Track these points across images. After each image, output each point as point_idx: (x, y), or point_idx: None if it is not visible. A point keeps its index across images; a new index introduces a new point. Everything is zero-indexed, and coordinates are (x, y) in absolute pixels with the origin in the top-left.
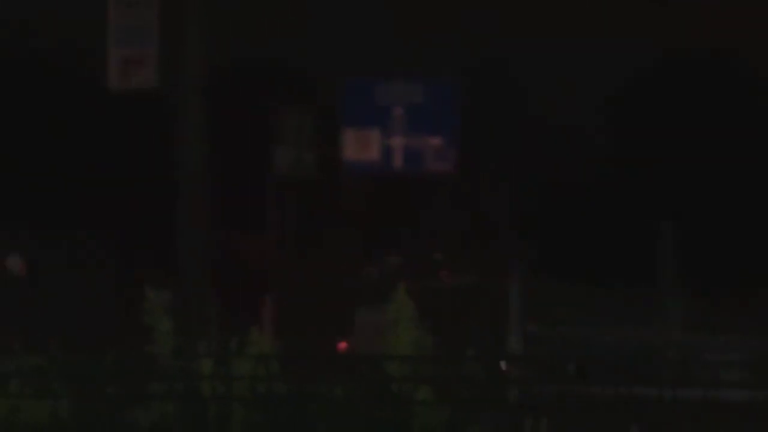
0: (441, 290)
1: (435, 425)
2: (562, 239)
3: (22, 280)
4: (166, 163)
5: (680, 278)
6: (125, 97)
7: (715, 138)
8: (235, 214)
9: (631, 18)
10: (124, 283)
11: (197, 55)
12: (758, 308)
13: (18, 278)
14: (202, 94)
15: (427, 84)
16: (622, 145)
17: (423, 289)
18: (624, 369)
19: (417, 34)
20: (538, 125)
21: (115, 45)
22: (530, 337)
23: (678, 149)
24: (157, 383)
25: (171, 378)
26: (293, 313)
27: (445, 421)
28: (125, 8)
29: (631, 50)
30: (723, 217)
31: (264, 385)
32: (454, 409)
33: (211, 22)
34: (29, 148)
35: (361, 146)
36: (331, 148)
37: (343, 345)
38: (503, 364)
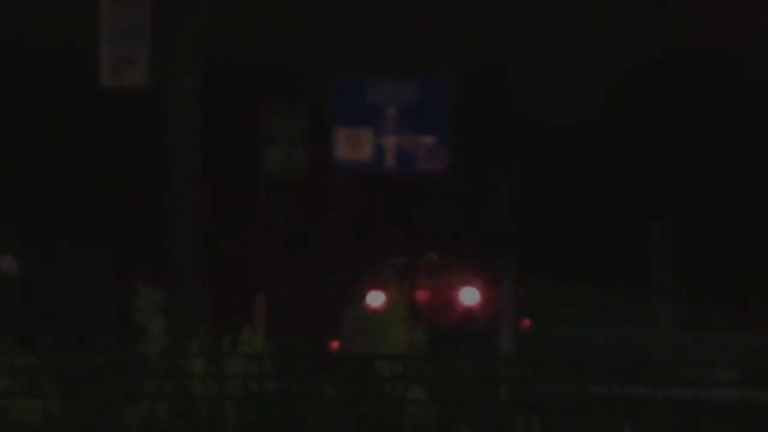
0: (435, 289)
1: (427, 424)
2: (555, 239)
3: (15, 280)
4: (158, 163)
5: (672, 278)
6: (120, 96)
7: (708, 138)
8: (227, 213)
9: (629, 18)
10: (116, 282)
11: (190, 54)
12: (750, 308)
13: (10, 278)
14: (194, 94)
15: (419, 83)
16: (616, 146)
17: (417, 289)
18: (617, 368)
19: (416, 34)
20: (536, 125)
21: (107, 44)
22: (522, 336)
23: (672, 149)
24: (149, 382)
25: (163, 377)
26: (285, 312)
27: (437, 421)
28: (117, 7)
29: (629, 50)
30: (715, 217)
31: (256, 384)
32: (445, 408)
33: (203, 21)
34: (24, 148)
35: (353, 145)
36: (323, 147)
37: (334, 344)
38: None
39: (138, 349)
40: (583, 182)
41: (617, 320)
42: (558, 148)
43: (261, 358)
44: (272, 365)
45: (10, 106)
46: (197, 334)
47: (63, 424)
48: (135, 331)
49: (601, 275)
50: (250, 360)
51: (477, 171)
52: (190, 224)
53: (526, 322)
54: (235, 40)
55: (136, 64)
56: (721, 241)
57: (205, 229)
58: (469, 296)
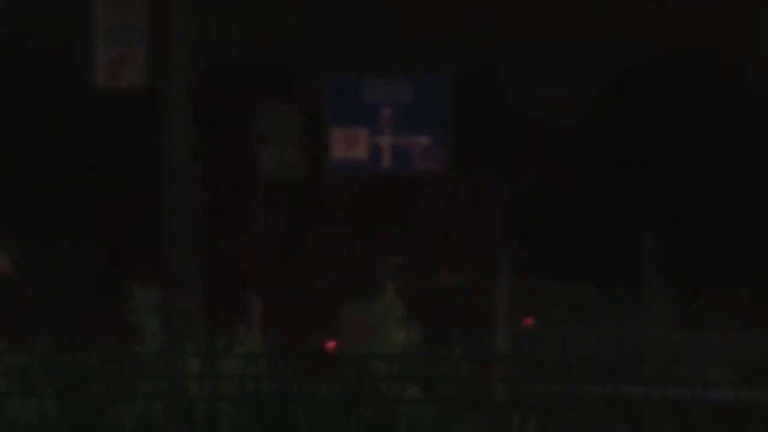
0: (430, 289)
1: (422, 424)
2: (550, 238)
3: (8, 279)
4: (154, 163)
5: (667, 277)
6: (117, 96)
7: (707, 138)
8: (223, 213)
9: (627, 18)
10: (112, 282)
11: (185, 54)
12: (745, 307)
13: (4, 277)
14: (189, 94)
15: (414, 83)
16: (615, 146)
17: (412, 288)
18: (611, 368)
19: (416, 34)
20: (535, 125)
21: (103, 44)
22: (517, 336)
23: (671, 149)
24: (145, 382)
25: (158, 377)
26: (281, 312)
27: (433, 420)
28: (113, 7)
29: (628, 50)
30: (710, 216)
31: (252, 384)
32: (441, 408)
33: (198, 21)
34: (20, 147)
35: (348, 145)
36: (318, 147)
37: (330, 344)
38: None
39: (134, 349)
40: (582, 182)
41: (613, 320)
42: (557, 148)
43: (257, 359)
44: (268, 365)
45: (5, 105)
46: (193, 334)
47: (58, 424)
48: (131, 331)
49: (598, 275)
50: (246, 360)
51: (473, 171)
52: (186, 224)
53: (528, 321)
54: (231, 40)
55: (132, 63)
56: (719, 241)
57: (201, 228)
58: None
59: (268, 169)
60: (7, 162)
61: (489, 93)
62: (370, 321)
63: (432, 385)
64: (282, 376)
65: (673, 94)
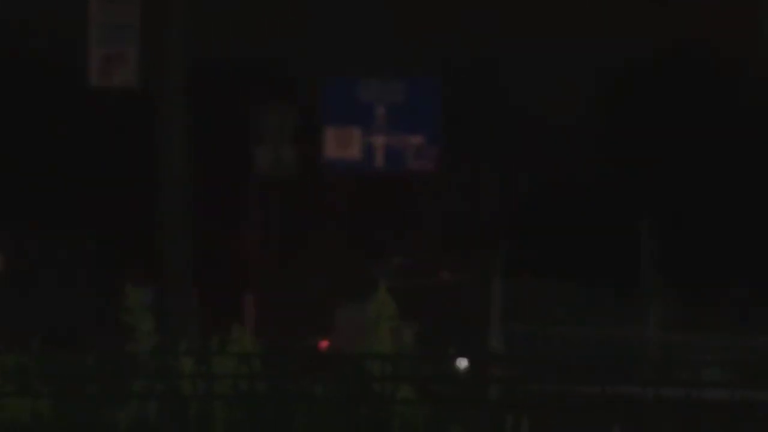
0: (425, 289)
1: (416, 424)
2: (544, 238)
3: (2, 278)
4: (148, 162)
5: (662, 277)
6: (111, 95)
7: (706, 137)
8: (217, 212)
9: (628, 17)
10: (105, 281)
11: (179, 53)
12: (740, 307)
13: None
14: (183, 93)
15: (408, 83)
16: (608, 146)
17: (407, 288)
18: (606, 368)
19: (416, 34)
20: (534, 125)
21: (96, 43)
22: (512, 335)
23: (670, 149)
24: (139, 382)
25: (152, 376)
26: (275, 311)
27: (427, 420)
28: (106, 6)
29: (628, 50)
30: (705, 216)
31: (246, 383)
32: (435, 407)
33: (193, 21)
34: (14, 146)
35: (342, 145)
36: (313, 146)
37: (324, 343)
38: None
39: (128, 348)
40: (581, 182)
41: (608, 320)
42: (555, 147)
43: (251, 358)
44: (262, 365)
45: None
46: (188, 333)
47: (52, 423)
48: (125, 331)
49: (595, 275)
50: (240, 359)
51: (469, 170)
52: (180, 223)
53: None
54: (226, 40)
55: (126, 63)
56: (717, 242)
57: (196, 227)
58: None
59: (262, 168)
60: (0, 160)
61: (486, 92)
62: (366, 320)
63: (426, 384)
64: (276, 375)
65: (670, 94)
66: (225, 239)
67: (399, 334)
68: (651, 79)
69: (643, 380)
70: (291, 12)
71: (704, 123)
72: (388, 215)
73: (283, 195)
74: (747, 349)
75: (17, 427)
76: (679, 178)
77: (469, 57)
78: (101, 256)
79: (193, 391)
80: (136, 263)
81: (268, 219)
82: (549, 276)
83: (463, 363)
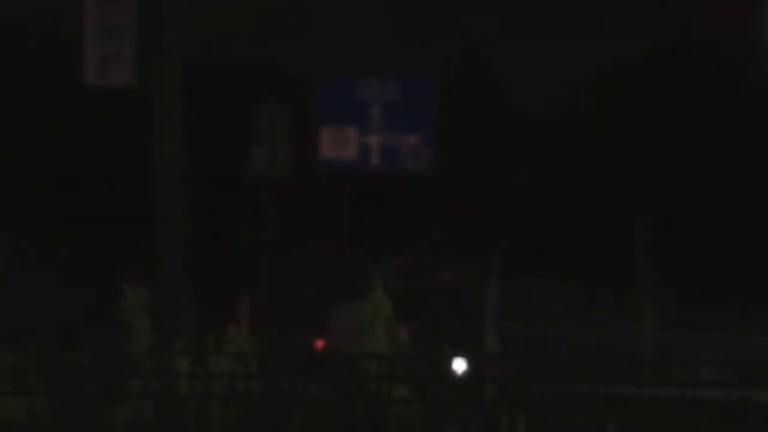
0: (424, 289)
1: (413, 424)
2: (539, 237)
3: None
4: (145, 162)
5: (657, 276)
6: (108, 95)
7: (702, 136)
8: (213, 212)
9: (625, 17)
10: (103, 281)
11: (176, 53)
12: (736, 306)
13: None
14: (180, 93)
15: (404, 82)
16: (604, 145)
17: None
18: (601, 367)
19: (415, 34)
20: (533, 125)
21: (92, 42)
22: (507, 335)
23: (666, 147)
24: (135, 381)
25: (148, 376)
26: (271, 311)
27: (423, 420)
28: (102, 5)
29: (627, 49)
30: (704, 216)
31: (242, 383)
32: (432, 407)
33: (189, 20)
34: (9, 146)
35: (337, 144)
36: (311, 146)
37: (320, 343)
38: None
39: (124, 348)
40: (581, 182)
41: (606, 320)
42: (556, 147)
43: (247, 358)
44: (258, 364)
45: None
46: (184, 333)
47: (48, 422)
48: (121, 330)
49: (588, 274)
50: (236, 359)
51: (467, 169)
52: (177, 223)
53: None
54: (222, 39)
55: (122, 62)
56: (715, 242)
57: (192, 227)
58: None
59: (258, 168)
60: None
61: (485, 92)
62: (362, 320)
63: (423, 384)
64: (273, 375)
65: (670, 94)
66: (222, 239)
67: (396, 333)
68: (651, 79)
69: (639, 380)
70: (289, 12)
71: (704, 123)
72: (388, 215)
73: (280, 194)
74: (746, 349)
75: (13, 426)
76: (679, 178)
77: (468, 56)
78: (98, 255)
79: (189, 390)
80: (132, 262)
81: (265, 219)
82: (547, 276)
83: (460, 364)
